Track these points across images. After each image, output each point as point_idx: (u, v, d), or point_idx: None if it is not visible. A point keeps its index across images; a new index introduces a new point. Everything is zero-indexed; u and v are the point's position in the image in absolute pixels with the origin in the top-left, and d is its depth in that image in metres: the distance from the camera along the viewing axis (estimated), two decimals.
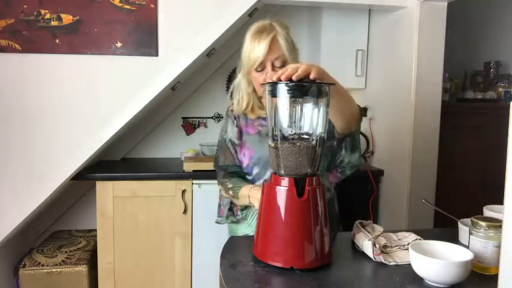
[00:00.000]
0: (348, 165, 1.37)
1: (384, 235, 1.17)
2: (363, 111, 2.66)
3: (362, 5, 2.29)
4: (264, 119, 1.40)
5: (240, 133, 1.43)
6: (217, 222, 1.52)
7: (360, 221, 1.23)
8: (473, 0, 2.87)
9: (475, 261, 0.97)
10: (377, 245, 1.07)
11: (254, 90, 1.42)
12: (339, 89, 1.13)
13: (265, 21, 1.33)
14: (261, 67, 1.29)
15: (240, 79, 1.41)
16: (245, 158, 1.40)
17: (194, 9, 2.06)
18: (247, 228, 1.42)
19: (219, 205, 1.52)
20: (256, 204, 1.26)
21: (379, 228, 1.20)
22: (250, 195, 1.31)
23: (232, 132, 1.44)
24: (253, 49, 1.28)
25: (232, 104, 1.47)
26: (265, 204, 1.05)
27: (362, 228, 1.17)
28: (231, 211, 1.45)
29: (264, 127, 1.39)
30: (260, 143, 1.36)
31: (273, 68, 1.28)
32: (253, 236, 1.08)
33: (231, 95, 1.46)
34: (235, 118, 1.44)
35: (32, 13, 1.96)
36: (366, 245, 1.08)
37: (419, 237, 1.14)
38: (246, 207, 1.42)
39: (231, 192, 1.40)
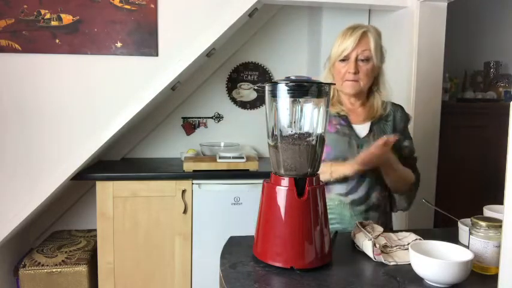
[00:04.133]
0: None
1: (384, 235, 1.17)
2: None
3: (362, 5, 2.29)
4: (344, 119, 1.43)
5: None
6: None
7: (360, 221, 1.23)
8: (473, 1, 2.87)
9: (475, 261, 0.97)
10: (377, 245, 1.07)
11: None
12: (394, 167, 1.35)
13: (360, 23, 1.42)
14: (346, 58, 1.36)
15: (325, 75, 1.46)
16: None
17: (194, 9, 2.06)
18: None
19: None
20: (341, 171, 1.34)
21: (379, 228, 1.20)
22: (333, 170, 1.36)
23: None
24: (344, 41, 1.36)
25: None
26: (265, 204, 1.05)
27: (362, 228, 1.17)
28: None
29: (342, 126, 1.42)
30: (338, 142, 1.40)
31: (356, 60, 1.35)
32: (253, 235, 1.08)
33: None
34: None
35: (32, 13, 1.96)
36: (366, 245, 1.08)
37: (419, 237, 1.14)
38: None
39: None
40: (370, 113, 1.43)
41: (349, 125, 1.42)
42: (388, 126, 1.44)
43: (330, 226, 1.29)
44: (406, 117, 1.51)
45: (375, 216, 1.38)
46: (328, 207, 1.34)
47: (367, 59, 1.35)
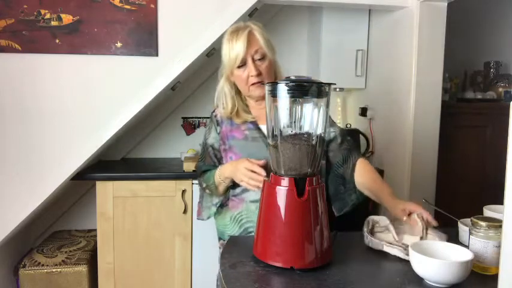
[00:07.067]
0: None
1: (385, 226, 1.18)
2: (363, 111, 2.67)
3: (362, 5, 2.29)
4: (251, 123, 1.40)
5: (225, 138, 1.42)
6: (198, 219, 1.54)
7: (371, 218, 1.23)
8: (473, 1, 2.87)
9: (475, 261, 0.97)
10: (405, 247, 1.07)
11: (238, 93, 1.43)
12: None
13: (239, 23, 1.38)
14: (242, 63, 1.32)
15: (222, 84, 1.43)
16: None
17: (194, 9, 2.06)
18: (237, 229, 1.38)
19: (199, 203, 1.52)
20: (228, 173, 1.31)
21: (383, 219, 1.20)
22: (220, 174, 1.35)
23: (214, 138, 1.45)
24: (233, 47, 1.32)
25: (217, 107, 1.48)
26: (265, 204, 1.05)
27: (382, 228, 1.18)
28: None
29: (250, 131, 1.39)
30: (245, 147, 1.37)
31: (254, 61, 1.31)
32: (252, 235, 1.09)
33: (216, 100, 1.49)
34: (218, 124, 1.45)
35: (32, 13, 1.96)
36: (393, 247, 1.08)
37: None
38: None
39: (207, 190, 1.42)
40: None
41: (257, 128, 1.38)
42: None
43: (251, 234, 1.29)
44: None
45: None
46: (246, 216, 1.33)
47: (263, 57, 1.33)
